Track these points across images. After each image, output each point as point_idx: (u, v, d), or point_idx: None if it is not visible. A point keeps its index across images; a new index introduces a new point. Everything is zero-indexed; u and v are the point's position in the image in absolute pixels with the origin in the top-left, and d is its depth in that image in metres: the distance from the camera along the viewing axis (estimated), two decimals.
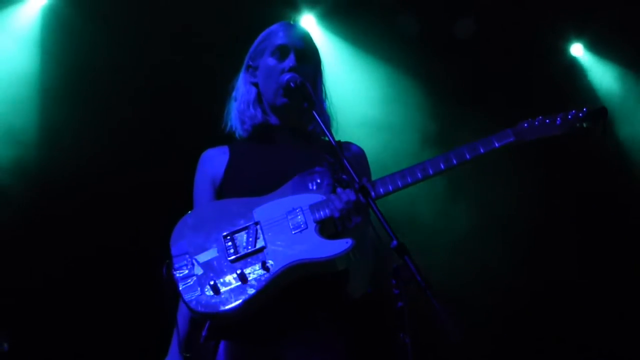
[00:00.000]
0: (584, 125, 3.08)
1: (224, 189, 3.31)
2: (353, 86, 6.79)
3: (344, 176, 3.10)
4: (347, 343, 3.09)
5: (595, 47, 7.38)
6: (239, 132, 3.45)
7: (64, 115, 6.19)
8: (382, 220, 2.69)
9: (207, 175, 3.38)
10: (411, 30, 6.79)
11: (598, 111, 3.10)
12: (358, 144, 3.50)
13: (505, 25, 6.88)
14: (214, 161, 3.40)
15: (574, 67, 7.43)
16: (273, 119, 3.42)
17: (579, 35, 7.39)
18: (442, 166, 3.06)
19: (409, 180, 3.05)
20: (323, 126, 3.06)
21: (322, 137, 3.30)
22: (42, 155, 6.17)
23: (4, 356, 5.41)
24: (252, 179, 3.26)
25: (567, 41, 7.41)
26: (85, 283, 5.91)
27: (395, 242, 2.60)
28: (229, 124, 3.51)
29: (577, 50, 7.47)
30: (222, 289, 2.92)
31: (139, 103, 6.23)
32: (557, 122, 3.10)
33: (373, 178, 3.15)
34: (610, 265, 6.85)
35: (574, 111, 3.11)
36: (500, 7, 6.80)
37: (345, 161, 2.93)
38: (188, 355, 3.13)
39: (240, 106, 3.45)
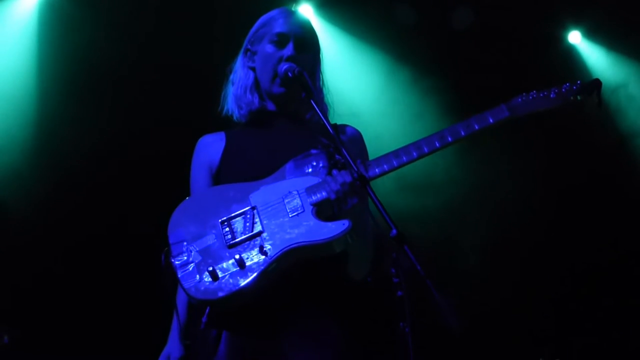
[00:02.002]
0: (578, 97, 3.10)
1: (221, 175, 3.31)
2: (350, 75, 6.73)
3: (339, 158, 3.08)
4: (346, 333, 3.09)
5: (593, 34, 7.36)
6: (236, 116, 3.44)
7: (61, 109, 6.19)
8: (380, 208, 2.69)
9: (204, 162, 3.37)
10: (408, 19, 6.75)
11: (592, 83, 3.12)
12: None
13: (502, 13, 6.86)
14: (211, 147, 3.39)
15: (571, 55, 7.43)
16: (270, 106, 3.40)
17: (577, 23, 7.36)
18: (437, 144, 3.06)
19: (404, 159, 3.04)
20: (321, 114, 3.03)
21: (319, 123, 3.25)
22: (40, 148, 6.15)
23: (4, 349, 5.43)
24: (248, 164, 3.25)
25: (565, 29, 7.40)
26: (84, 274, 5.95)
27: (394, 230, 2.60)
28: (225, 108, 3.49)
29: (575, 37, 7.44)
30: (221, 275, 2.91)
31: (137, 94, 6.21)
32: (551, 96, 3.11)
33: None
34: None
35: (567, 84, 3.12)
36: None
37: (343, 148, 2.91)
38: (188, 342, 3.16)
39: (238, 91, 3.43)
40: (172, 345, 3.25)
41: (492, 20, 6.87)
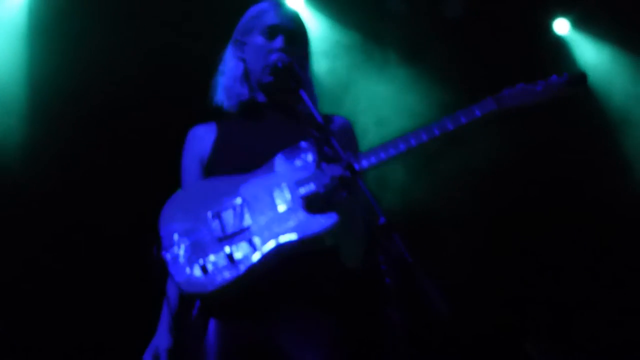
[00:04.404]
0: (565, 90, 3.12)
1: (212, 167, 3.32)
2: (342, 68, 6.79)
3: (329, 150, 3.10)
4: (338, 323, 3.11)
5: (582, 23, 7.35)
6: (226, 107, 3.45)
7: (55, 100, 6.15)
8: (369, 197, 2.71)
9: (195, 153, 3.39)
10: (399, 9, 6.79)
11: (578, 76, 3.15)
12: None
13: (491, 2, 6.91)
14: (201, 139, 3.40)
15: (559, 45, 7.42)
16: (260, 97, 3.42)
17: (566, 12, 7.35)
18: (425, 137, 3.07)
19: (392, 152, 3.05)
20: (310, 104, 3.05)
21: (310, 114, 3.25)
22: (29, 158, 6.15)
23: None
24: (239, 156, 3.26)
25: (553, 18, 7.38)
26: (74, 265, 5.96)
27: (382, 219, 2.62)
28: (214, 99, 3.50)
29: (563, 27, 7.43)
30: (211, 269, 2.93)
31: (128, 85, 6.21)
32: (538, 88, 3.14)
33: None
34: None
35: (554, 76, 3.15)
36: None
37: (333, 139, 2.94)
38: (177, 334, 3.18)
39: (227, 82, 3.45)
40: (160, 337, 3.25)
41: (482, 9, 6.93)
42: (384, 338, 2.64)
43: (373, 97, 6.71)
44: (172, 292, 3.23)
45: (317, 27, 6.74)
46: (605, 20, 7.15)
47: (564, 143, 6.97)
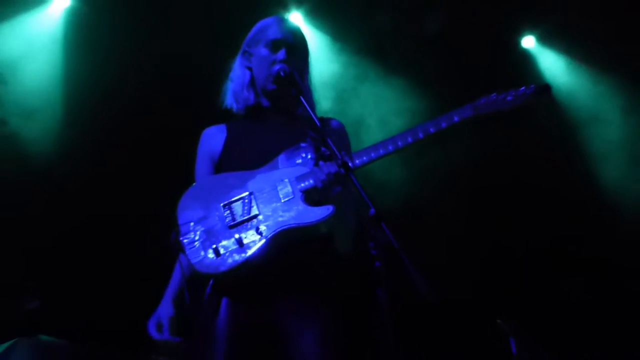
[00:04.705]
0: (531, 99, 3.52)
1: (222, 164, 3.70)
2: (337, 78, 7.19)
3: (325, 150, 3.48)
4: (335, 308, 3.47)
5: (546, 39, 7.78)
6: (234, 110, 3.84)
7: (86, 103, 6.50)
8: (360, 191, 3.11)
9: (207, 152, 3.77)
10: (383, 26, 7.18)
11: (543, 87, 3.54)
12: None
13: (461, 18, 7.28)
14: (213, 139, 3.79)
15: (525, 59, 7.81)
16: (264, 102, 3.80)
17: (532, 29, 7.78)
18: (410, 139, 3.44)
19: (381, 152, 3.43)
20: (309, 109, 3.43)
21: (308, 117, 3.58)
22: (65, 155, 6.50)
23: (34, 312, 5.68)
24: (246, 154, 3.64)
25: (521, 34, 7.80)
26: (101, 247, 6.31)
27: (372, 210, 3.02)
28: (225, 102, 3.89)
29: (529, 42, 7.82)
30: (222, 252, 3.31)
31: (153, 93, 6.58)
32: (509, 98, 3.51)
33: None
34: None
35: (523, 87, 3.54)
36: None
37: (328, 140, 3.33)
38: (179, 300, 3.56)
39: (236, 87, 3.84)
40: (164, 306, 3.59)
41: (461, 29, 7.28)
42: (374, 317, 3.03)
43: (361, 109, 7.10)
44: (182, 264, 3.52)
45: (315, 43, 7.13)
46: (566, 37, 7.62)
47: (537, 143, 7.36)
